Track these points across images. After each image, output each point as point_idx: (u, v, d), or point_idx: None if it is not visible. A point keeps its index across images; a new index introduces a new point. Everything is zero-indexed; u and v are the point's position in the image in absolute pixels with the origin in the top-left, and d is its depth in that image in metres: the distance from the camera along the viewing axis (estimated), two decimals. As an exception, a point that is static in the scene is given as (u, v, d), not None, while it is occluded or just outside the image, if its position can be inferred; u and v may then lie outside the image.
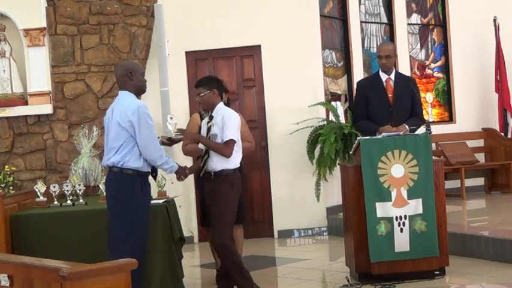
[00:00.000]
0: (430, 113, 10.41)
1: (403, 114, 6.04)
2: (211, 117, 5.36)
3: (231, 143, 5.23)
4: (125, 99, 4.79)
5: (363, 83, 6.56)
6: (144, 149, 4.70)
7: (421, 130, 6.02)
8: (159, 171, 5.10)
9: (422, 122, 6.22)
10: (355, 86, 7.37)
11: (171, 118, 5.46)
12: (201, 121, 6.02)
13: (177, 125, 5.48)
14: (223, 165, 5.26)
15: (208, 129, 5.34)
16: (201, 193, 6.15)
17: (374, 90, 6.11)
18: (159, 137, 5.21)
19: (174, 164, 4.97)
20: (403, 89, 6.11)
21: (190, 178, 8.21)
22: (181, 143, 6.10)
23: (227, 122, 5.24)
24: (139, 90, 4.88)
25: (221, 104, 5.40)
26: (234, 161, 5.32)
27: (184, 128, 5.70)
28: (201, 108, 5.83)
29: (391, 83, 6.11)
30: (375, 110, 6.07)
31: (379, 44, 9.55)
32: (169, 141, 5.37)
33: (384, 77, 6.13)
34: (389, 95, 6.08)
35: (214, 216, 5.30)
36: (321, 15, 8.91)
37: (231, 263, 5.29)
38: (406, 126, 5.90)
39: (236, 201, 5.35)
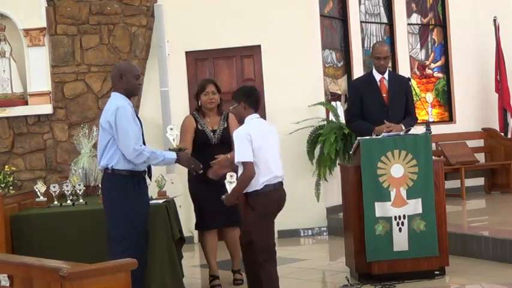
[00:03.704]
0: (430, 113, 10.41)
1: (398, 113, 6.04)
2: None
3: (243, 165, 4.85)
4: (111, 101, 4.78)
5: (356, 83, 6.57)
6: (122, 150, 4.67)
7: (421, 130, 6.02)
8: (160, 171, 5.09)
9: (416, 121, 6.24)
10: (352, 86, 7.37)
11: (171, 129, 5.20)
12: (197, 124, 5.97)
13: (177, 136, 5.25)
14: (251, 186, 4.93)
15: None
16: (197, 193, 6.06)
17: (368, 90, 6.11)
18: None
19: (166, 155, 4.79)
20: (397, 88, 6.11)
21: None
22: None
23: (235, 143, 4.93)
24: (129, 92, 4.82)
25: (248, 117, 4.99)
26: (255, 179, 4.88)
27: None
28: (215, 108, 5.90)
29: (385, 82, 6.11)
30: (370, 109, 6.06)
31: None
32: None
33: (377, 76, 6.12)
34: (384, 95, 6.08)
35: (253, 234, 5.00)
36: (321, 15, 8.91)
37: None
38: (403, 127, 5.90)
39: (270, 220, 5.07)
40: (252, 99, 5.03)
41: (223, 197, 5.02)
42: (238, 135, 4.93)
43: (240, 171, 4.93)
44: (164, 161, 4.84)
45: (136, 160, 4.68)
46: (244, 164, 4.84)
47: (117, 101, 4.73)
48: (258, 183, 4.88)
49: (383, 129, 5.84)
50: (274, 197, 4.96)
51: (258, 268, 4.95)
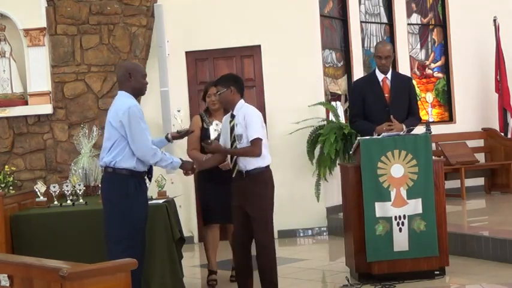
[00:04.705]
0: (430, 113, 10.41)
1: (400, 113, 6.02)
2: (233, 116, 5.26)
3: (256, 141, 5.13)
4: (120, 99, 4.79)
5: (359, 82, 6.56)
6: (135, 150, 4.68)
7: (421, 130, 6.02)
8: (160, 171, 5.09)
9: (419, 121, 6.22)
10: (353, 86, 7.36)
11: (179, 111, 5.30)
12: (202, 123, 6.05)
13: (182, 119, 5.36)
14: (254, 163, 5.16)
15: (232, 129, 5.24)
16: (204, 191, 6.17)
17: (370, 90, 6.10)
18: (168, 134, 5.19)
19: (174, 159, 4.90)
20: (400, 88, 6.09)
21: (190, 177, 8.22)
22: (186, 147, 6.13)
23: (250, 121, 5.14)
24: (137, 92, 4.84)
25: (241, 101, 5.27)
26: (266, 158, 5.22)
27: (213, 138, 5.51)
28: (222, 106, 5.84)
29: (388, 82, 6.09)
30: (372, 109, 6.05)
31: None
32: (178, 134, 5.19)
33: (380, 76, 6.11)
34: (386, 95, 6.06)
35: (253, 217, 5.16)
36: (321, 15, 8.91)
37: (268, 266, 5.20)
38: (404, 127, 5.89)
39: (272, 199, 5.28)
40: (239, 84, 5.31)
41: (210, 141, 5.20)
42: (254, 114, 5.20)
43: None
44: (172, 164, 4.89)
45: (151, 159, 4.73)
46: (257, 141, 5.12)
47: (127, 100, 4.74)
48: (269, 159, 5.26)
49: (384, 128, 5.84)
50: None
51: (273, 244, 5.22)
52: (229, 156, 5.29)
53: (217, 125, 5.23)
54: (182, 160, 5.00)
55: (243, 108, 5.24)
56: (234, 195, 5.30)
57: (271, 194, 5.27)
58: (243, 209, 5.21)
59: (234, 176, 5.25)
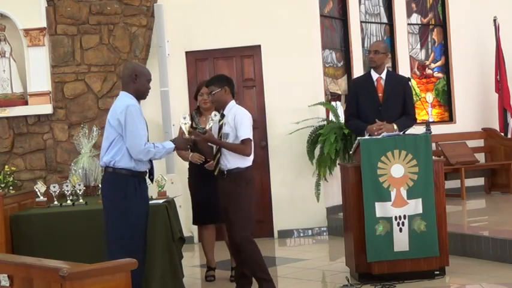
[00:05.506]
0: (430, 113, 10.41)
1: (392, 113, 6.00)
2: (222, 116, 5.34)
3: (248, 141, 5.26)
4: (120, 99, 4.79)
5: (355, 82, 6.58)
6: (129, 149, 4.67)
7: (421, 130, 6.01)
8: (160, 171, 5.09)
9: (414, 121, 6.18)
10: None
11: (184, 118, 5.30)
12: (192, 122, 6.05)
13: (187, 125, 5.40)
14: (236, 163, 5.27)
15: (220, 128, 5.33)
16: (197, 191, 6.20)
17: (365, 89, 6.11)
18: (173, 139, 5.21)
19: (166, 146, 4.84)
20: (394, 88, 6.08)
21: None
22: None
23: (240, 121, 5.26)
24: (139, 95, 4.82)
25: (233, 102, 5.40)
26: (247, 159, 5.32)
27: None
28: (214, 105, 5.86)
29: (382, 82, 6.09)
30: (365, 109, 6.06)
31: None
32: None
33: (375, 76, 6.11)
34: (379, 94, 6.06)
35: (233, 214, 5.27)
36: (321, 15, 8.91)
37: (254, 263, 5.28)
38: (395, 127, 5.88)
39: (254, 198, 5.37)
40: (232, 85, 5.47)
41: (204, 129, 5.24)
42: (245, 115, 5.32)
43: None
44: (166, 151, 4.86)
45: (144, 157, 4.73)
46: (248, 141, 5.25)
47: (127, 99, 4.73)
48: (251, 161, 5.35)
49: (374, 128, 5.84)
50: None
51: (250, 241, 5.26)
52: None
53: (215, 115, 5.27)
54: (173, 141, 4.97)
55: (234, 109, 5.35)
56: (220, 195, 5.44)
57: (252, 193, 5.37)
58: (228, 210, 5.33)
59: (215, 174, 5.36)
